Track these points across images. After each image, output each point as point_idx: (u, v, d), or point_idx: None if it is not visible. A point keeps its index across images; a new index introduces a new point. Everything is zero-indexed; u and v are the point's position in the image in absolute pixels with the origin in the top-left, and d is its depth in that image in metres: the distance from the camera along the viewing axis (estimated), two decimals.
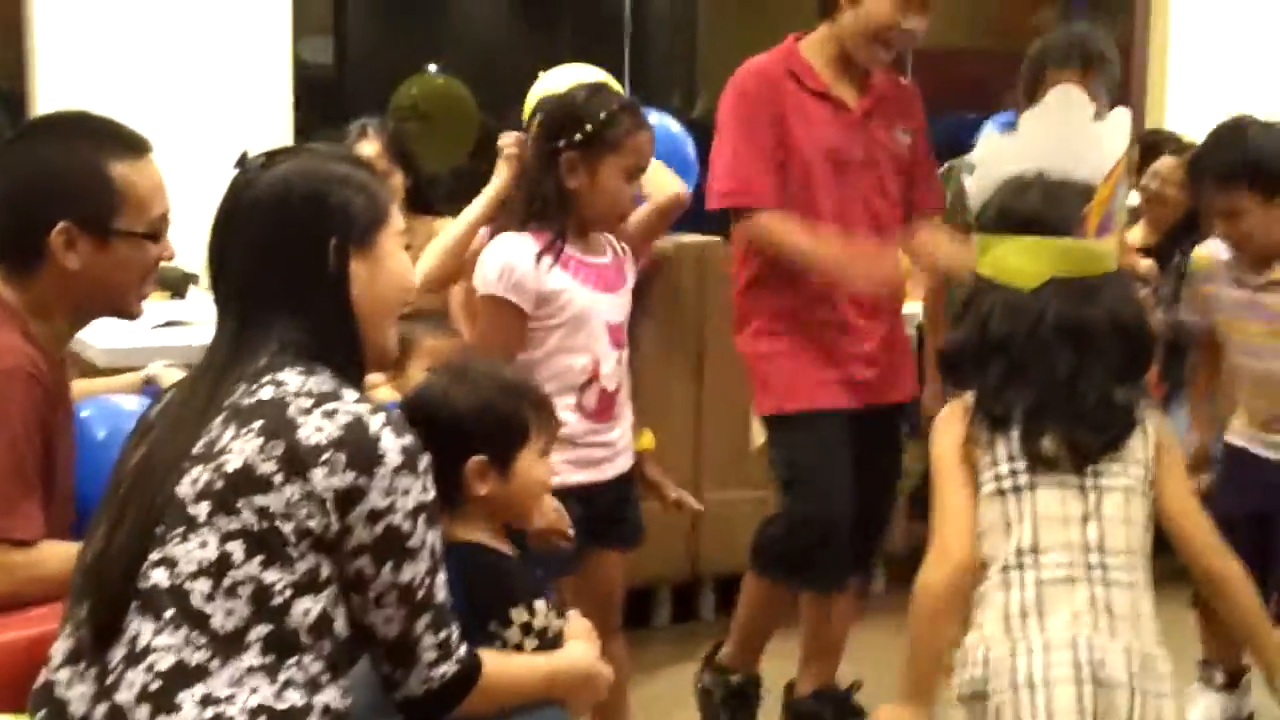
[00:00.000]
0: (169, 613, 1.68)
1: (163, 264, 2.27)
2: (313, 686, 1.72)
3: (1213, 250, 3.21)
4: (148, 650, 1.68)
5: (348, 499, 1.71)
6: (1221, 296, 3.18)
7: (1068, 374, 2.06)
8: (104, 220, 2.15)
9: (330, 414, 1.73)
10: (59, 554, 2.02)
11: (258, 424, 1.73)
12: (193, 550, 1.70)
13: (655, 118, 4.36)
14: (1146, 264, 4.63)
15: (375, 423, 1.74)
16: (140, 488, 1.77)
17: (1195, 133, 5.27)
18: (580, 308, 2.74)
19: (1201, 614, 3.45)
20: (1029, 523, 2.04)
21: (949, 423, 2.15)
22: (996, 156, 2.27)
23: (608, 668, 2.13)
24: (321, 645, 1.74)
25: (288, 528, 1.70)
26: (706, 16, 9.68)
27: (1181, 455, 2.16)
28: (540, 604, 2.08)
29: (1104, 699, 1.98)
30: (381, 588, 1.75)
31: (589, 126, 2.74)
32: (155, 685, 1.67)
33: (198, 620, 1.68)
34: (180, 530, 1.71)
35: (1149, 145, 4.87)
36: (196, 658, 1.68)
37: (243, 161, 1.89)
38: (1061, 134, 2.21)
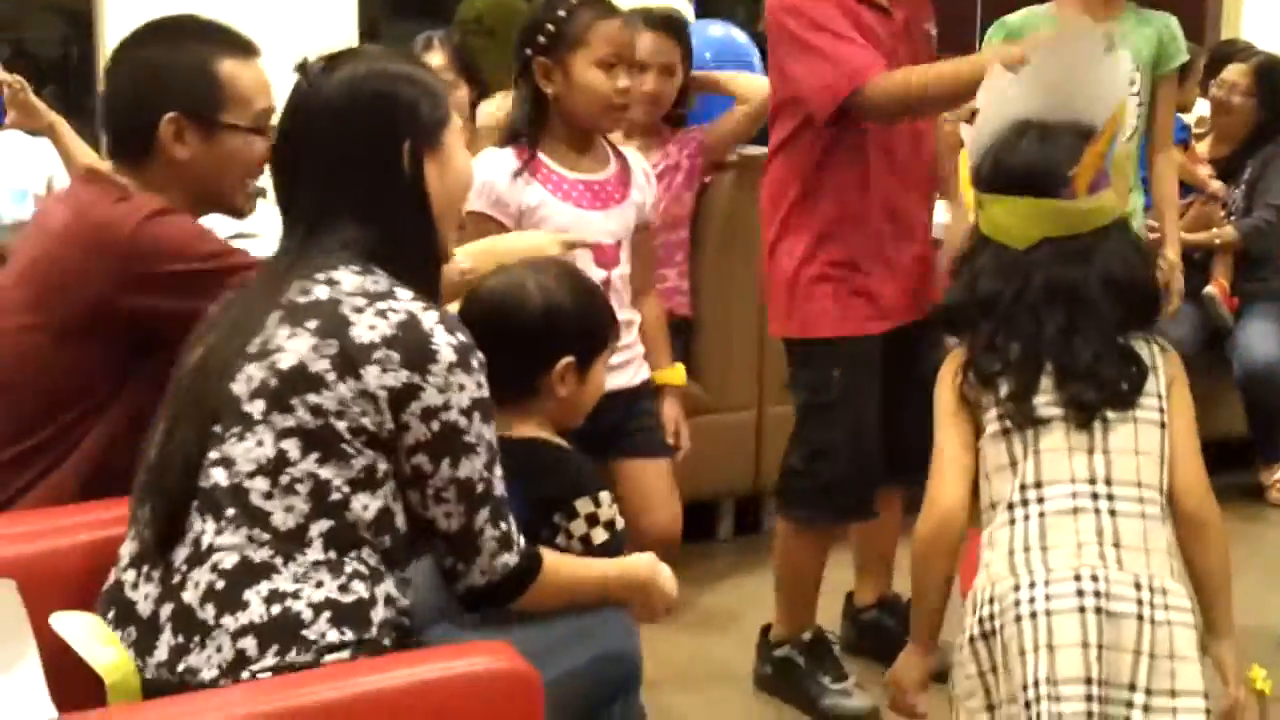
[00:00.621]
0: (230, 512, 1.71)
1: None
2: (375, 578, 1.75)
3: None
4: (211, 550, 1.71)
5: (402, 397, 1.72)
6: None
7: (1059, 332, 2.03)
8: (211, 112, 2.25)
9: (383, 313, 1.74)
10: None
11: (312, 323, 1.74)
12: (250, 448, 1.72)
13: (721, 28, 4.37)
14: (1216, 185, 4.56)
15: (428, 320, 1.75)
16: (197, 388, 1.79)
17: (1269, 43, 5.19)
18: (558, 225, 2.70)
19: None
20: (1032, 459, 2.02)
21: (949, 372, 2.14)
22: (996, 101, 2.20)
23: (671, 580, 2.12)
24: (381, 540, 1.76)
25: (342, 425, 1.71)
26: None
27: (1187, 390, 2.10)
28: (605, 495, 2.09)
29: (1110, 629, 1.93)
30: (440, 483, 1.77)
31: (550, 27, 2.74)
32: (220, 584, 1.70)
33: (258, 518, 1.71)
34: (237, 429, 1.73)
35: (1221, 56, 4.78)
36: (260, 555, 1.70)
37: (303, 67, 1.88)
38: (1063, 75, 2.15)
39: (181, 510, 1.74)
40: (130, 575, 1.78)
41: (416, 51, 3.95)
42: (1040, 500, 2.01)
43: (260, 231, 3.57)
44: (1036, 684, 1.93)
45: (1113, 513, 1.99)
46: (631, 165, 2.85)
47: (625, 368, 2.84)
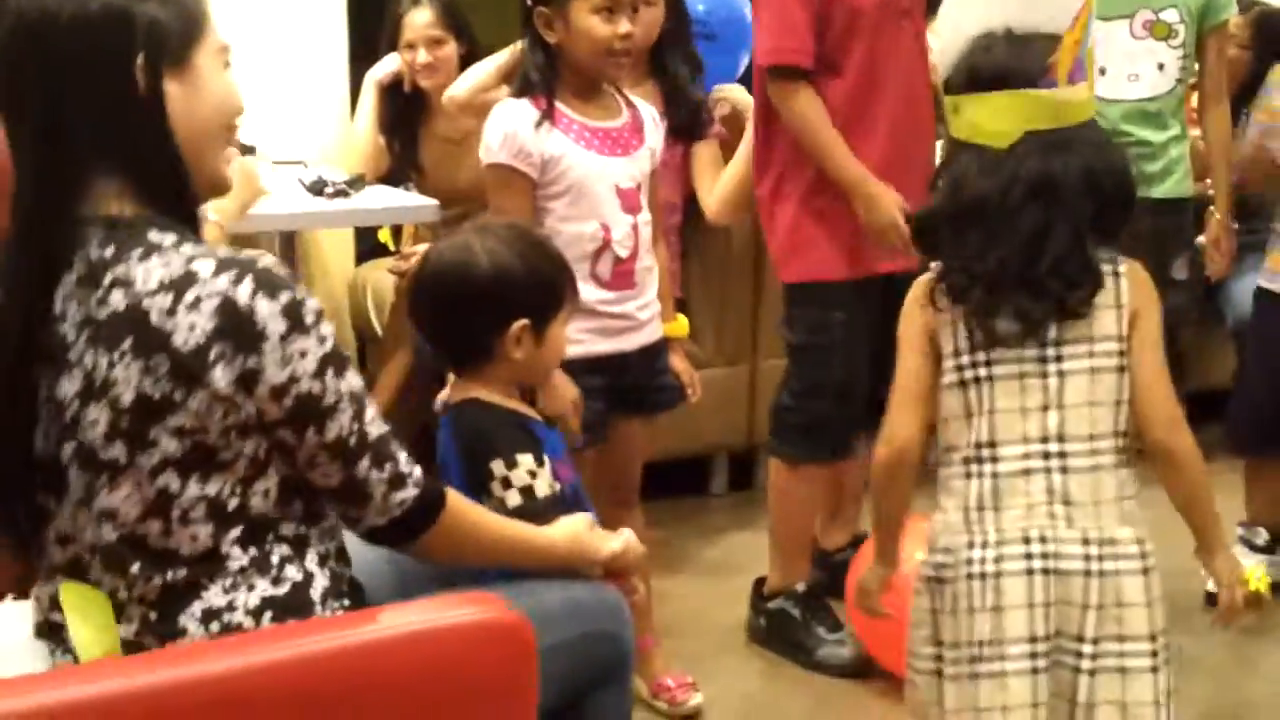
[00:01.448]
0: (135, 566, 1.64)
1: None
2: (300, 549, 1.70)
3: None
4: (130, 597, 1.64)
5: (246, 382, 1.59)
6: None
7: (1032, 233, 1.99)
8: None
9: (194, 304, 1.57)
10: None
11: (127, 343, 1.58)
12: (130, 495, 1.61)
13: None
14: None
15: (244, 294, 1.59)
16: (5, 418, 1.66)
17: None
18: (582, 173, 2.69)
19: (1246, 473, 3.46)
20: (986, 418, 2.03)
21: (915, 299, 2.10)
22: (961, 18, 2.20)
23: (604, 541, 2.02)
24: (293, 507, 1.70)
25: (210, 436, 1.61)
26: None
27: (1159, 316, 2.06)
28: (525, 458, 2.04)
29: (1059, 588, 1.98)
30: (311, 450, 1.66)
31: None
32: (153, 616, 1.64)
33: (166, 558, 1.63)
34: (104, 478, 1.62)
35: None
36: (181, 583, 1.64)
37: None
38: None
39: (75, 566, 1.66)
40: (58, 617, 1.69)
41: (403, 8, 3.90)
42: (994, 460, 2.03)
43: None
44: (982, 644, 1.99)
45: (1064, 470, 2.01)
46: (641, 112, 2.83)
47: (650, 324, 2.82)
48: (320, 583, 1.71)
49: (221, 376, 1.58)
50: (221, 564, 1.64)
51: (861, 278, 3.01)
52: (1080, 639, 1.99)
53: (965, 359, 2.04)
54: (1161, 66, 3.31)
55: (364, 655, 1.60)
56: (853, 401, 3.06)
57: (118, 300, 1.60)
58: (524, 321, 2.11)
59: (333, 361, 1.65)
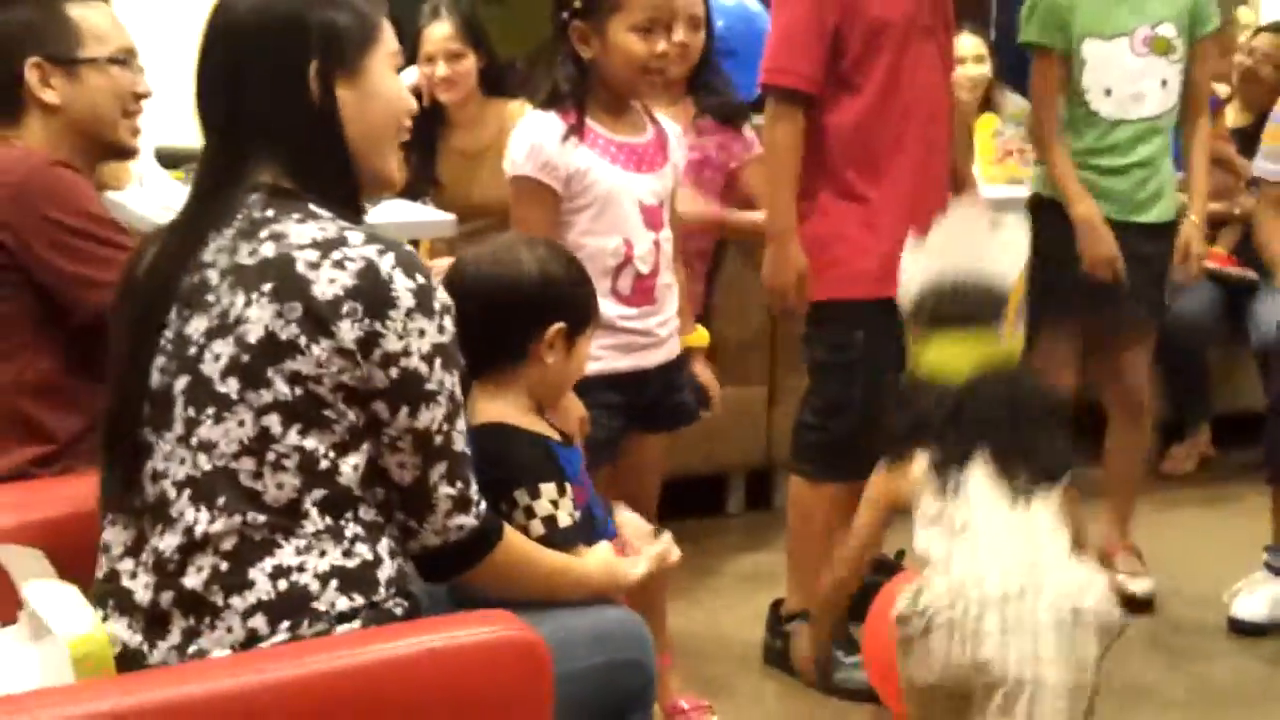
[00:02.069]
0: (221, 499, 1.66)
1: None
2: (375, 534, 1.72)
3: None
4: (207, 537, 1.66)
5: (365, 344, 1.65)
6: None
7: (1007, 440, 2.31)
8: (68, 52, 2.33)
9: (340, 263, 1.66)
10: None
11: (268, 286, 1.66)
12: (230, 429, 1.65)
13: None
14: (1241, 162, 4.51)
15: (386, 264, 1.67)
16: (125, 362, 1.74)
17: None
18: (608, 187, 2.66)
19: (1275, 494, 3.41)
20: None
21: (889, 482, 2.45)
22: (917, 267, 2.50)
23: (633, 569, 2.04)
24: (375, 492, 1.72)
25: (322, 389, 1.65)
26: None
27: None
28: (548, 487, 2.02)
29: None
30: (397, 431, 1.70)
31: None
32: (224, 565, 1.66)
33: (250, 499, 1.66)
34: (212, 410, 1.67)
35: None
36: (259, 534, 1.66)
37: None
38: (964, 245, 2.48)
39: (163, 504, 1.69)
40: (128, 564, 1.73)
41: (423, 19, 3.89)
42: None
43: None
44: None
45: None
46: (666, 129, 2.82)
47: (669, 341, 2.80)
48: (388, 569, 1.72)
49: (348, 331, 1.64)
50: (300, 521, 1.67)
51: (885, 297, 2.98)
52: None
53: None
54: (1164, 83, 3.29)
55: (383, 672, 1.60)
56: (874, 419, 3.02)
57: (268, 249, 1.68)
58: (561, 325, 2.11)
59: (446, 354, 1.71)
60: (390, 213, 3.69)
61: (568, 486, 2.04)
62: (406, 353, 1.67)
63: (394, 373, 1.67)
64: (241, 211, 1.72)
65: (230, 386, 1.66)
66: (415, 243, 4.16)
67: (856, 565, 2.58)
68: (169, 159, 3.72)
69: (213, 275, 1.70)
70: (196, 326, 1.69)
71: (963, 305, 2.41)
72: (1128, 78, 3.27)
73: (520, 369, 2.12)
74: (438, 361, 1.70)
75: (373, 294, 1.65)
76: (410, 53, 3.91)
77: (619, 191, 2.68)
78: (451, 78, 3.86)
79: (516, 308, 2.11)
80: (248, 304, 1.66)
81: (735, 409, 3.87)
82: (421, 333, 1.67)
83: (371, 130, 1.78)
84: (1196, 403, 4.57)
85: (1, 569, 1.78)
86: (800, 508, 3.16)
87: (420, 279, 1.68)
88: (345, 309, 1.64)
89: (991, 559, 2.22)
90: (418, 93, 3.92)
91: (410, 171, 3.97)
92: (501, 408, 2.10)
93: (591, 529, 2.08)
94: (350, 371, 1.65)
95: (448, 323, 1.71)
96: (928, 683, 2.25)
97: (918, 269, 2.50)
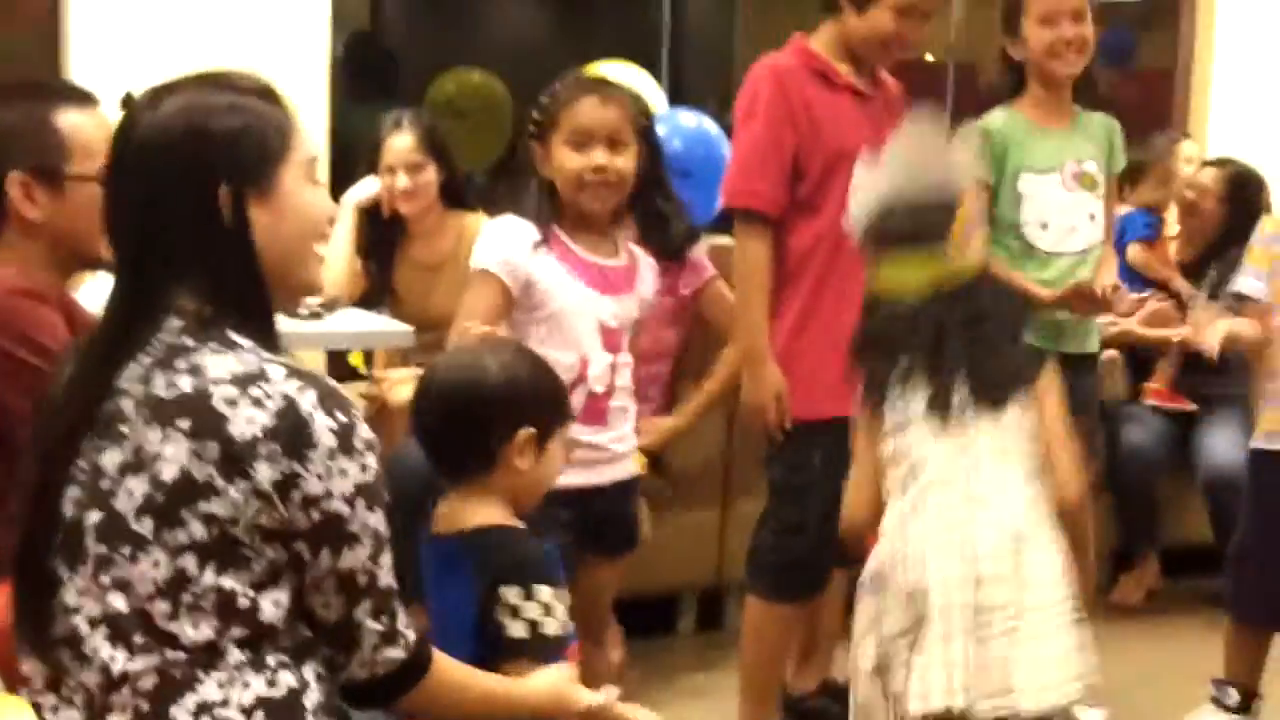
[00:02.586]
0: (137, 638, 1.61)
1: None
2: (299, 657, 1.67)
3: None
4: (125, 676, 1.61)
5: (284, 485, 1.60)
6: None
7: (959, 358, 2.44)
8: (55, 166, 2.23)
9: (258, 400, 1.60)
10: None
11: (184, 423, 1.60)
12: (145, 570, 1.60)
13: (694, 119, 4.38)
14: (1180, 282, 4.58)
15: (306, 402, 1.61)
16: (38, 490, 1.68)
17: (1233, 142, 5.24)
18: (565, 303, 2.69)
19: (1232, 634, 3.41)
20: (914, 449, 2.44)
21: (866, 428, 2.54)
22: (869, 184, 2.58)
23: (583, 694, 2.01)
24: (297, 629, 1.68)
25: (238, 529, 1.60)
26: (745, 20, 9.63)
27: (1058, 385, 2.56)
28: (541, 590, 2.01)
29: (980, 535, 2.36)
30: (320, 574, 1.65)
31: (536, 114, 2.77)
32: (145, 706, 1.61)
33: (168, 639, 1.61)
34: (127, 549, 1.61)
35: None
36: (178, 671, 1.61)
37: (128, 100, 1.76)
38: (918, 162, 2.54)
39: (71, 642, 1.64)
40: (49, 699, 1.67)
41: (384, 131, 3.90)
42: (920, 475, 2.44)
43: None
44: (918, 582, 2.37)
45: (977, 483, 2.43)
46: (641, 261, 2.84)
47: (621, 459, 2.80)
48: (314, 694, 1.67)
49: (265, 473, 1.59)
50: (220, 656, 1.62)
51: (843, 417, 2.99)
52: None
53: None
54: (1092, 216, 3.34)
55: None
56: (831, 540, 3.02)
57: (185, 384, 1.62)
58: (530, 430, 2.10)
59: (368, 494, 1.65)
60: (347, 322, 3.68)
61: (565, 592, 2.03)
62: (328, 494, 1.61)
63: (315, 515, 1.61)
64: (158, 338, 1.66)
65: (145, 526, 1.61)
66: (370, 353, 4.16)
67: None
68: None
69: (127, 405, 1.64)
70: (111, 459, 1.64)
71: (911, 223, 2.49)
72: (1062, 211, 3.32)
73: (494, 475, 2.11)
74: (360, 502, 1.64)
75: (292, 434, 1.59)
76: (371, 162, 3.93)
77: (579, 308, 2.70)
78: (412, 189, 3.87)
79: (482, 415, 2.11)
80: (163, 440, 1.60)
81: (688, 529, 3.86)
82: (343, 473, 1.62)
83: (289, 246, 1.72)
84: (1145, 533, 4.59)
85: None
86: (754, 627, 3.15)
87: (341, 417, 1.63)
88: (263, 450, 1.59)
89: (937, 523, 2.37)
90: (377, 203, 3.94)
91: (368, 281, 3.98)
92: (486, 511, 2.10)
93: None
94: (268, 513, 1.60)
95: (370, 460, 1.65)
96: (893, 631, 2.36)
97: (869, 187, 2.57)
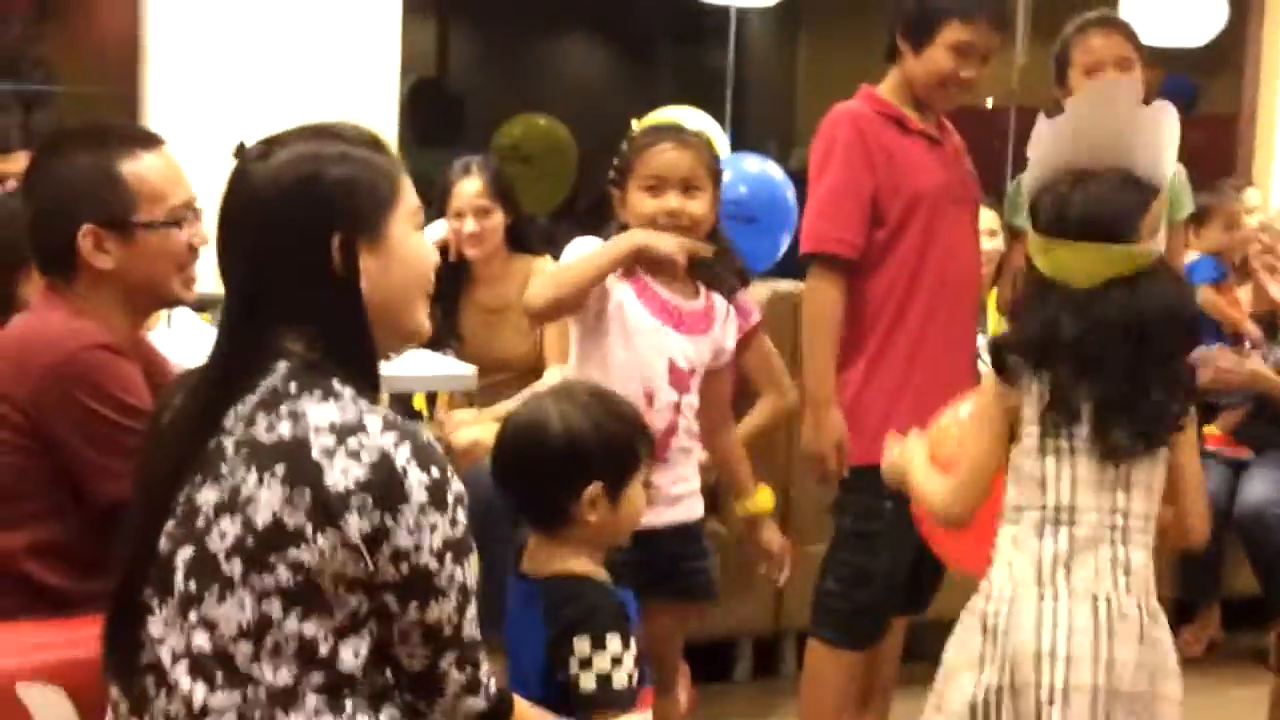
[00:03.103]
0: (219, 676, 1.64)
1: None
2: (375, 703, 1.70)
3: None
4: (206, 710, 1.65)
5: (373, 539, 1.63)
6: None
7: (1127, 372, 2.20)
8: (123, 216, 2.26)
9: (355, 453, 1.62)
10: None
11: (280, 468, 1.63)
12: (231, 611, 1.64)
13: (758, 164, 4.41)
14: (1250, 326, 4.54)
15: (401, 457, 1.64)
16: (139, 521, 1.73)
17: None
18: (638, 331, 2.70)
19: (1275, 686, 3.39)
20: (1068, 484, 2.23)
21: (1007, 391, 2.26)
22: (1051, 148, 2.28)
23: None
24: (376, 677, 1.71)
25: (324, 579, 1.63)
26: (806, 65, 9.67)
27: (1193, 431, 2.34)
28: (612, 639, 2.03)
29: (1119, 646, 2.20)
30: (407, 625, 1.68)
31: (616, 161, 2.81)
32: None
33: (248, 680, 1.64)
34: (215, 589, 1.65)
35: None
36: (257, 712, 1.64)
37: (240, 151, 1.78)
38: (1113, 126, 2.24)
39: (150, 669, 1.69)
40: None
41: (454, 177, 3.95)
42: (1072, 523, 2.23)
43: None
44: (1051, 689, 2.18)
45: (1126, 541, 2.23)
46: (717, 305, 2.85)
47: (682, 501, 2.79)
48: None
49: (355, 525, 1.61)
50: (298, 701, 1.65)
51: None
52: (1131, 698, 2.22)
53: (1050, 426, 2.23)
54: None
55: None
56: (895, 588, 3.03)
57: (285, 429, 1.65)
58: (598, 484, 2.11)
59: (457, 548, 1.68)
60: (412, 364, 3.72)
61: (633, 641, 2.04)
62: (417, 548, 1.64)
63: (404, 568, 1.64)
64: (264, 380, 1.69)
65: (234, 568, 1.64)
66: (433, 395, 4.20)
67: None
68: (198, 302, 3.76)
69: (228, 444, 1.68)
70: (207, 497, 1.67)
71: (1101, 210, 2.21)
72: None
73: (569, 527, 2.13)
74: (448, 556, 1.67)
75: (385, 488, 1.62)
76: (440, 206, 3.99)
77: (650, 340, 2.72)
78: (479, 233, 3.91)
79: (546, 474, 2.13)
80: (259, 484, 1.64)
81: (745, 573, 3.85)
82: (434, 528, 1.65)
83: (397, 293, 1.76)
84: (1207, 584, 4.55)
85: (24, 709, 1.78)
86: (816, 675, 3.15)
87: (435, 472, 1.65)
88: (356, 502, 1.61)
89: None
90: (445, 247, 3.98)
91: (433, 324, 4.01)
92: (564, 558, 2.12)
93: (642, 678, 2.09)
94: (354, 564, 1.63)
95: (460, 514, 1.68)
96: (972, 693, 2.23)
97: (1046, 153, 2.27)
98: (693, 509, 2.82)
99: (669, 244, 2.71)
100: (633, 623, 2.10)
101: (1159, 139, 2.27)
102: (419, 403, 4.30)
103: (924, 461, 2.45)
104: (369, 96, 4.42)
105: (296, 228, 1.70)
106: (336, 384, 1.69)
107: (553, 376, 3.14)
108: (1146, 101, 2.28)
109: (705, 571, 2.87)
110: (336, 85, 4.41)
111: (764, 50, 9.05)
